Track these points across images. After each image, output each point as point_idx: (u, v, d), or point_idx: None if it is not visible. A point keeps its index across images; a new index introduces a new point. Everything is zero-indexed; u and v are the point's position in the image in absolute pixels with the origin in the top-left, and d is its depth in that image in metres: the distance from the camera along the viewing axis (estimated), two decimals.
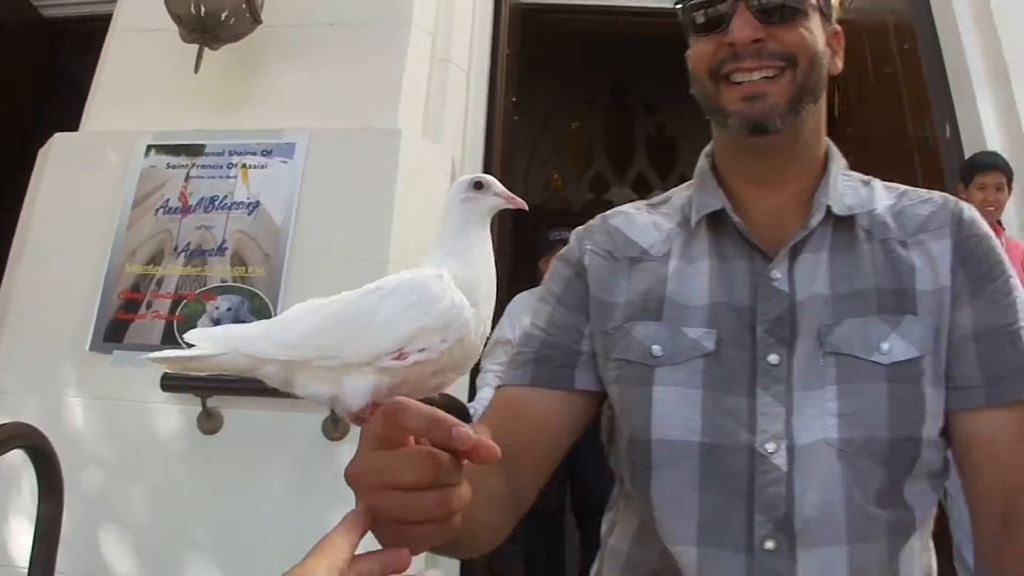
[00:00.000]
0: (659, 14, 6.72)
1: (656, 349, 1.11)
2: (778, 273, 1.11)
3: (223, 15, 3.68)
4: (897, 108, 5.42)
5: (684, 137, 12.29)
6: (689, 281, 1.15)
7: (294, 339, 0.83)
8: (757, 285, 1.11)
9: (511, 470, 1.09)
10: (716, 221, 1.18)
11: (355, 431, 3.25)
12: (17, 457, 2.92)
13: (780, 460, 1.03)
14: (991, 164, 4.07)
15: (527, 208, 1.00)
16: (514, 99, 5.17)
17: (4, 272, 3.98)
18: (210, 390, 3.39)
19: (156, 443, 3.47)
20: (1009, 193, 4.07)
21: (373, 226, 3.48)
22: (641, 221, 1.27)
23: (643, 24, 7.18)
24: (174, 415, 3.48)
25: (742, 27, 1.11)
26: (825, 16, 1.18)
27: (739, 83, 1.13)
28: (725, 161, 1.23)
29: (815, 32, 1.14)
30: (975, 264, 1.12)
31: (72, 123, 4.27)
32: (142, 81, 4.13)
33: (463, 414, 3.30)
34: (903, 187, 1.23)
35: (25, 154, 4.60)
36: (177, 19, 3.70)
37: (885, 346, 1.06)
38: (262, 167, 3.64)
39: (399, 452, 0.69)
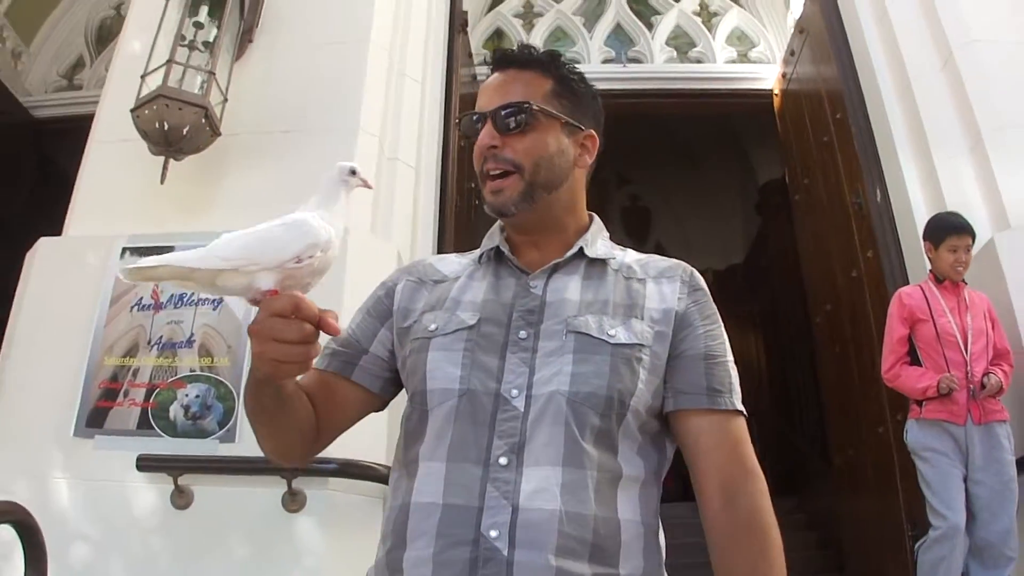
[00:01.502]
0: (626, 95, 7.09)
1: (432, 326, 1.47)
2: (535, 284, 1.49)
3: (184, 130, 4.04)
4: (835, 175, 5.72)
5: (657, 207, 12.71)
6: (470, 289, 1.53)
7: (231, 254, 1.26)
8: (519, 291, 1.49)
9: (319, 415, 1.48)
10: (498, 259, 1.57)
11: (311, 504, 3.61)
12: (7, 533, 3.31)
13: (520, 403, 1.35)
14: (963, 226, 4.24)
15: (371, 187, 1.49)
16: (473, 185, 5.39)
17: None
18: (181, 469, 3.67)
19: (133, 519, 3.70)
20: None
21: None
22: (449, 259, 1.66)
23: (610, 106, 7.69)
24: (150, 493, 3.72)
25: (483, 137, 1.51)
26: (567, 123, 1.55)
27: (490, 178, 1.52)
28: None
29: (547, 140, 1.52)
30: (703, 308, 1.50)
31: (62, 215, 4.59)
32: (117, 189, 4.44)
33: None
34: (650, 255, 1.62)
35: (14, 251, 4.89)
36: (144, 135, 4.07)
37: (612, 332, 1.40)
38: None
39: (287, 320, 1.18)
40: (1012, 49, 4.96)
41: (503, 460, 1.31)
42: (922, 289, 4.27)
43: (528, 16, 7.77)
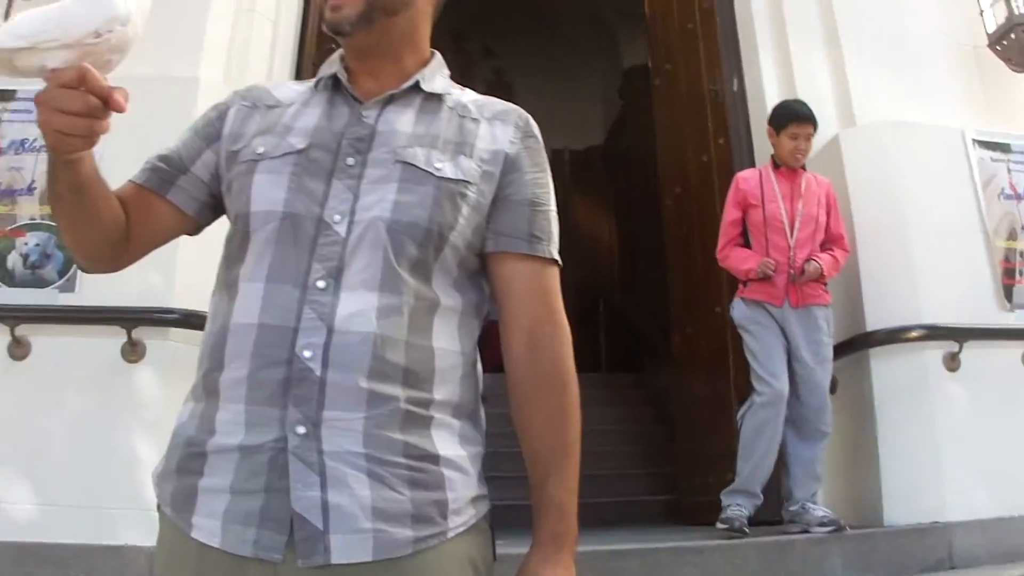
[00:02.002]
0: None
1: (260, 149, 1.45)
2: (368, 113, 1.48)
3: None
4: (696, 63, 5.80)
5: (520, 83, 12.61)
6: (303, 116, 1.51)
7: (25, 31, 1.21)
8: (351, 120, 1.48)
9: (130, 224, 1.46)
10: (335, 88, 1.55)
11: (151, 354, 3.65)
12: None
13: (341, 229, 1.36)
14: (805, 115, 4.33)
15: None
16: (332, 46, 5.31)
17: None
18: (18, 319, 3.64)
19: None
20: None
21: None
22: (287, 86, 1.64)
23: None
24: None
25: None
26: None
27: None
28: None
29: None
30: (535, 155, 1.53)
31: None
32: None
33: None
34: (489, 97, 1.64)
35: None
36: None
37: (440, 166, 1.42)
38: None
39: (73, 91, 1.13)
40: None
41: (321, 284, 1.32)
42: (760, 174, 4.41)
43: None
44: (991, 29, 4.95)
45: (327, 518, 1.24)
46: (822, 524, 3.87)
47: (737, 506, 4.01)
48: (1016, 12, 4.82)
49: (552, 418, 1.42)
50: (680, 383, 5.92)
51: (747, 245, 4.34)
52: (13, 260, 3.79)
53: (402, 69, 1.54)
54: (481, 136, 1.50)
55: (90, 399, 3.66)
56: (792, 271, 4.14)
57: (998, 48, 4.92)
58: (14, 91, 3.88)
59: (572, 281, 10.98)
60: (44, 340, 3.71)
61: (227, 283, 1.41)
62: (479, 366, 1.49)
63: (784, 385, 4.09)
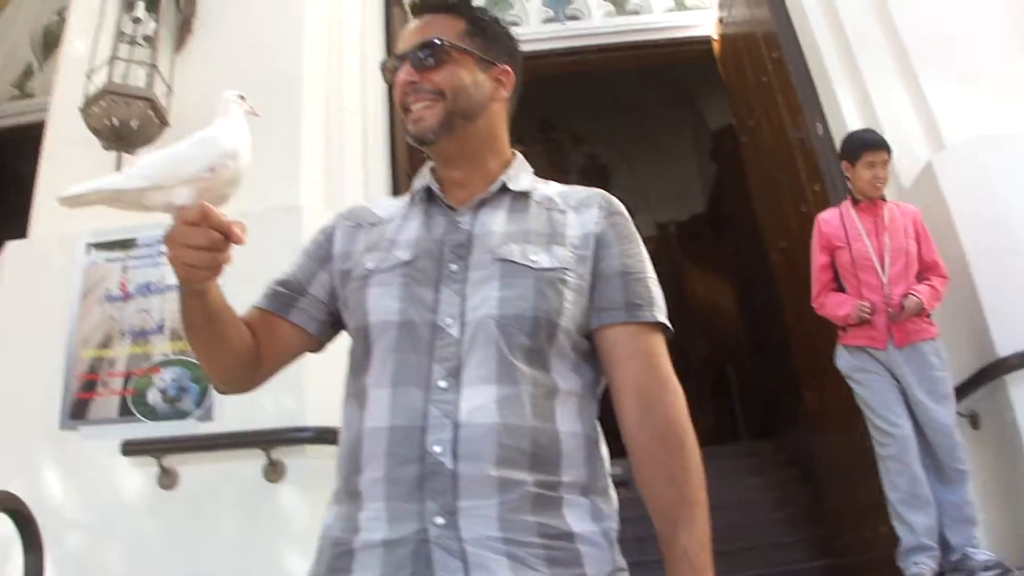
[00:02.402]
0: (567, 53, 7.17)
1: (370, 264, 1.57)
2: (463, 219, 1.59)
3: (133, 123, 4.24)
4: (777, 114, 5.81)
5: (615, 163, 12.82)
6: (404, 229, 1.62)
7: (151, 173, 1.39)
8: (448, 227, 1.59)
9: (259, 347, 1.59)
10: (429, 199, 1.66)
11: (291, 472, 3.79)
12: (4, 526, 3.38)
13: (455, 331, 1.45)
14: (877, 142, 4.22)
15: (258, 116, 1.59)
16: (422, 156, 5.46)
17: None
18: (164, 451, 3.83)
19: (123, 503, 3.87)
20: None
21: None
22: (383, 202, 1.76)
23: (552, 65, 7.56)
24: (137, 477, 3.88)
25: (401, 75, 1.61)
26: (481, 58, 1.65)
27: (410, 111, 1.62)
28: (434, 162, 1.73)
29: (462, 73, 1.62)
30: (620, 229, 1.60)
31: (23, 221, 4.70)
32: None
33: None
34: (572, 186, 1.73)
35: None
36: (95, 132, 4.25)
37: (534, 258, 1.51)
38: None
39: (197, 227, 1.27)
40: None
41: (442, 383, 1.40)
42: (840, 213, 4.28)
43: None
44: None
45: None
46: (987, 569, 3.65)
47: (915, 564, 3.79)
48: None
49: (673, 475, 1.44)
50: (817, 440, 5.82)
51: (841, 289, 4.21)
52: (153, 396, 4.02)
53: (488, 172, 1.66)
54: (570, 224, 1.59)
55: (238, 519, 3.81)
56: (890, 309, 3.98)
57: None
58: (135, 239, 4.19)
59: (697, 351, 11.00)
60: (189, 468, 3.89)
61: (356, 392, 1.51)
62: (603, 446, 1.53)
63: (906, 429, 3.90)
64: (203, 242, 1.29)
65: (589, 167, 13.16)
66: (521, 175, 1.68)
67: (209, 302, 1.44)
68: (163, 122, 4.44)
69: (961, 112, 4.72)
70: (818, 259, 4.26)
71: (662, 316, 1.54)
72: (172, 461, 3.89)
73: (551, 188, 1.68)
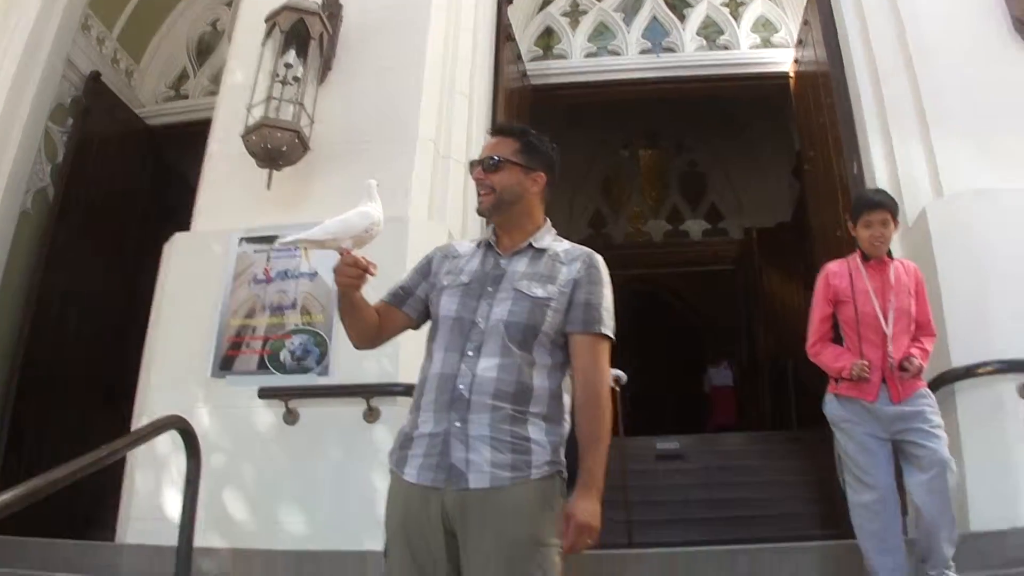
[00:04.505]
0: (659, 82, 7.89)
1: (445, 282, 2.44)
2: (503, 262, 2.43)
3: (283, 148, 5.14)
4: (827, 151, 6.33)
5: (712, 172, 13.52)
6: (469, 263, 2.47)
7: (333, 231, 2.22)
8: (494, 265, 2.43)
9: (381, 323, 2.49)
10: (488, 246, 2.49)
11: (384, 416, 4.63)
12: (166, 445, 4.24)
13: (482, 326, 2.32)
14: (876, 202, 4.14)
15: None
16: None
17: (147, 330, 5.37)
18: (290, 396, 4.75)
19: (257, 434, 4.85)
20: (896, 226, 4.16)
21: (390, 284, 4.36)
22: (463, 244, 2.60)
23: (649, 91, 8.32)
24: (268, 415, 4.87)
25: (475, 173, 2.48)
26: (524, 167, 2.46)
27: (479, 196, 2.48)
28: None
29: (507, 176, 2.44)
30: (592, 276, 2.41)
31: (180, 210, 5.62)
32: (232, 193, 5.49)
33: None
34: (576, 245, 2.51)
35: (144, 241, 6.10)
36: (252, 154, 5.19)
37: (535, 291, 2.34)
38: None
39: (352, 266, 2.22)
40: (961, 57, 5.58)
41: (471, 353, 2.31)
42: (848, 268, 4.18)
43: (574, 14, 8.39)
44: None
45: (467, 467, 2.19)
46: None
47: None
48: None
49: (590, 420, 2.29)
50: None
51: (838, 339, 4.17)
52: (284, 355, 5.02)
53: (525, 233, 2.49)
54: (563, 272, 2.41)
55: (342, 450, 4.77)
56: (891, 362, 3.91)
57: None
58: (276, 236, 4.89)
59: (765, 347, 11.56)
60: (308, 410, 4.85)
61: (428, 353, 2.42)
62: (566, 398, 2.38)
63: (887, 487, 3.89)
64: (355, 273, 2.22)
65: (688, 173, 13.83)
66: (545, 236, 2.51)
67: (355, 300, 2.35)
68: (305, 147, 5.31)
69: (964, 167, 5.17)
70: (821, 309, 4.20)
71: (607, 330, 2.39)
72: (295, 404, 4.84)
73: (561, 246, 2.52)
